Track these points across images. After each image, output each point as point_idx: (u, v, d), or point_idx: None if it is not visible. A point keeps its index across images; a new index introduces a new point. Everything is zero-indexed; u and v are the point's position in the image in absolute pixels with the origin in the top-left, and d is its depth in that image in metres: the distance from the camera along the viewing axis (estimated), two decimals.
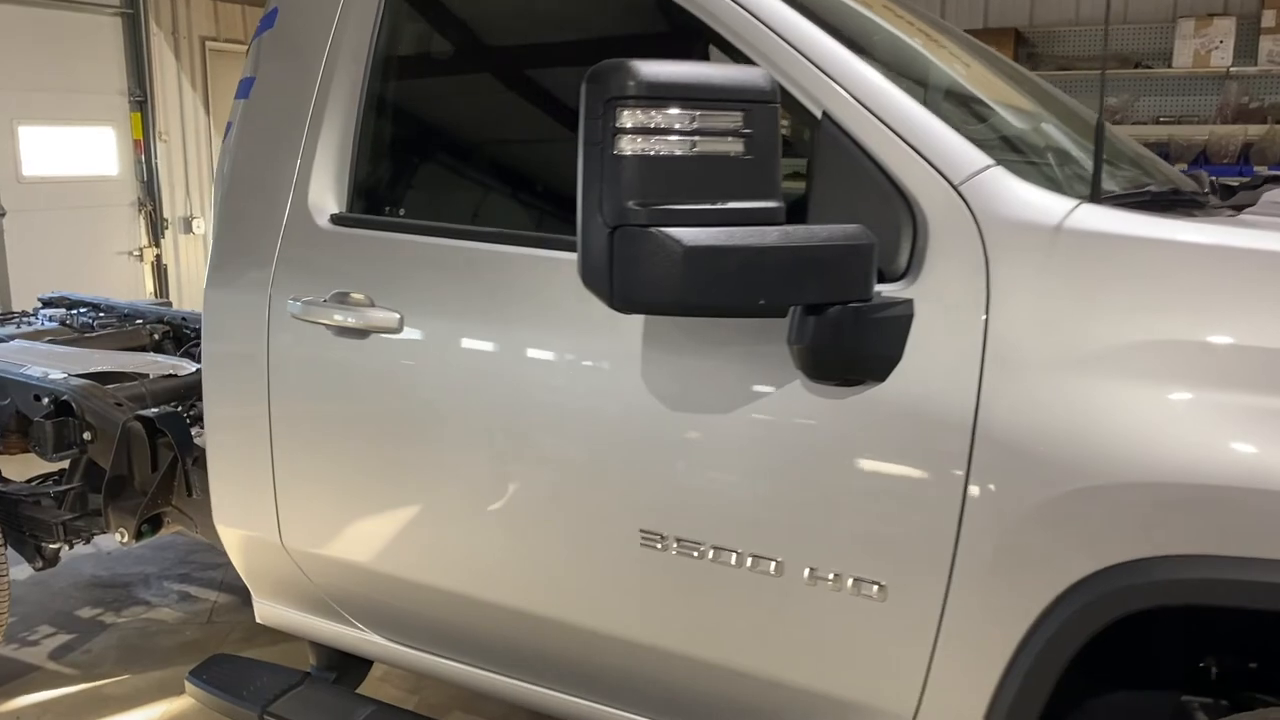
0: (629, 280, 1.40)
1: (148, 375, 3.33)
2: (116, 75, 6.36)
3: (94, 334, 4.06)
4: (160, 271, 6.67)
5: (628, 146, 1.38)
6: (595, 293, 1.44)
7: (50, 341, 3.89)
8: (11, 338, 3.88)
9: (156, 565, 4.21)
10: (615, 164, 1.39)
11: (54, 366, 3.30)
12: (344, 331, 2.02)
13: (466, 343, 1.89)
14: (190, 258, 6.97)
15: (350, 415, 2.04)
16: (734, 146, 1.42)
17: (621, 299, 1.41)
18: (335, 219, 2.08)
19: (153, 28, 6.49)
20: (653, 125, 1.38)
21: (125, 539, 2.96)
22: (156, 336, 4.18)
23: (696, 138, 1.40)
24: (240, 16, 7.19)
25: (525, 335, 1.83)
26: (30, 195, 5.87)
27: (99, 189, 6.33)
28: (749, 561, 1.69)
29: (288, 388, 2.11)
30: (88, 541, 3.24)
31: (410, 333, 1.96)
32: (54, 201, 6.03)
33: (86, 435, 3.04)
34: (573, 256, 1.79)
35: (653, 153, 1.39)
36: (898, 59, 1.95)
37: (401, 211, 2.11)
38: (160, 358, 3.68)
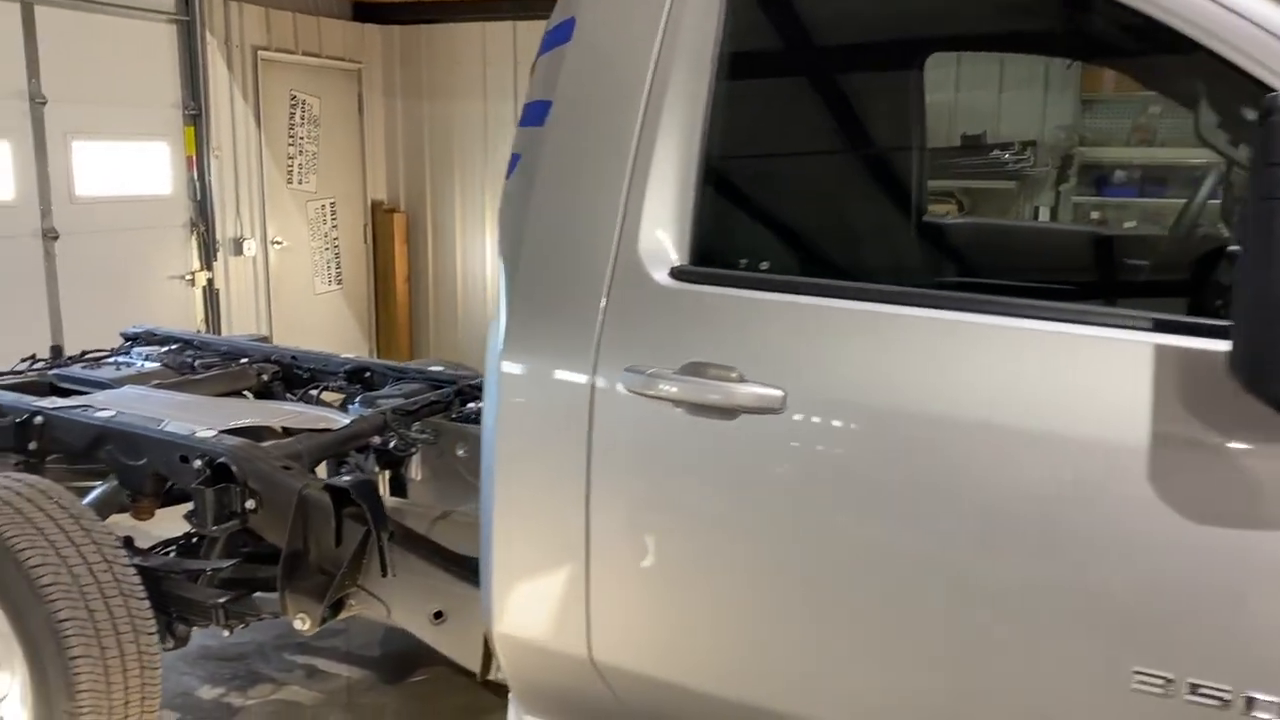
0: None
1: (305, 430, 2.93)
2: (170, 87, 5.92)
3: (198, 376, 3.65)
4: (212, 297, 6.23)
5: None
6: (1265, 398, 1.09)
7: (156, 386, 3.47)
8: (120, 382, 3.46)
9: (266, 632, 3.77)
10: None
11: (191, 420, 2.89)
12: (701, 410, 1.66)
13: (888, 430, 1.53)
14: (241, 281, 6.52)
15: (706, 510, 1.68)
16: None
17: None
18: (677, 273, 1.72)
19: (206, 36, 6.06)
20: None
21: (307, 625, 2.57)
22: (265, 378, 3.78)
23: None
24: (291, 25, 6.77)
25: (985, 427, 1.47)
26: (83, 216, 5.42)
27: (151, 209, 5.87)
28: None
29: (616, 474, 1.74)
30: (247, 626, 2.83)
31: (797, 415, 1.60)
32: (106, 223, 5.57)
33: (250, 504, 2.64)
34: (1067, 329, 1.47)
35: None
36: None
37: (765, 264, 1.75)
38: (304, 408, 3.29)
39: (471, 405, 3.36)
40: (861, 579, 1.57)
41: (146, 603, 2.55)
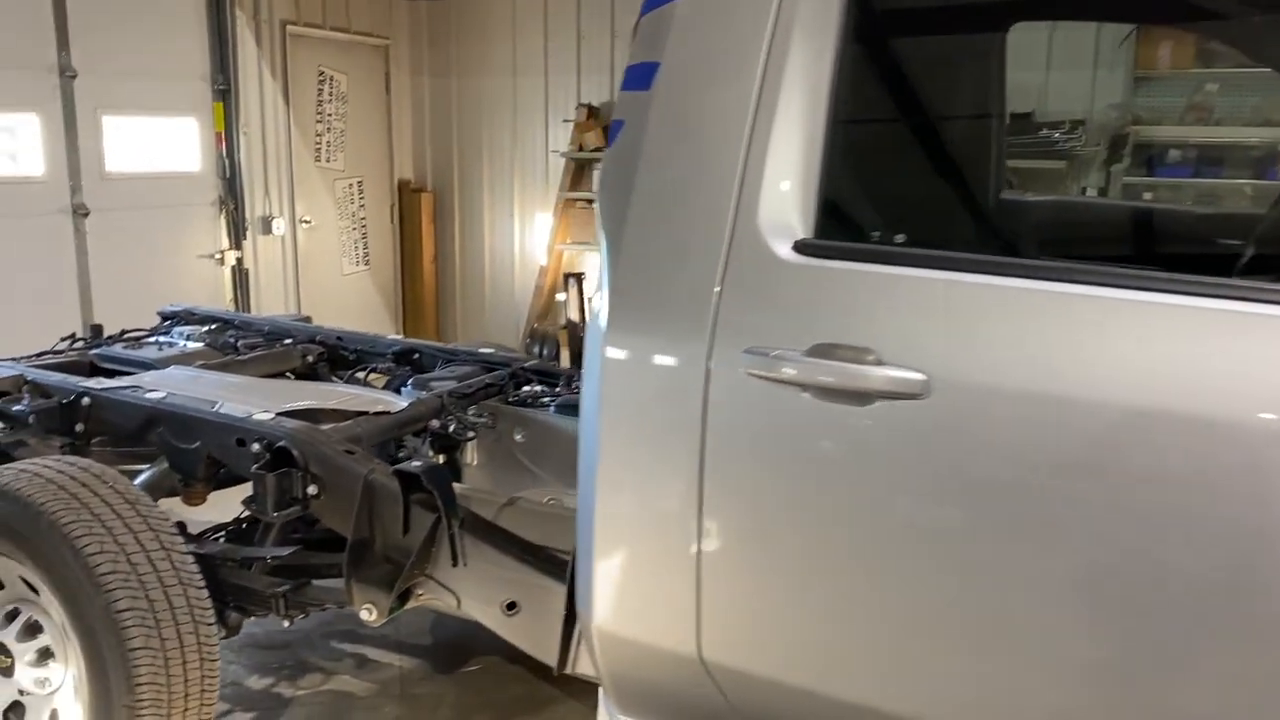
0: None
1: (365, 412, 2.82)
2: (200, 61, 5.80)
3: (243, 357, 3.54)
4: (241, 276, 6.12)
5: None
6: None
7: (202, 366, 3.36)
8: (163, 362, 3.35)
9: (311, 619, 3.66)
10: None
11: (245, 402, 2.78)
12: (831, 394, 1.54)
13: (1047, 418, 1.41)
14: (269, 261, 6.41)
15: (835, 502, 1.56)
16: None
17: None
18: (802, 247, 1.60)
19: (235, 10, 5.93)
20: None
21: (374, 616, 2.46)
22: (310, 359, 3.66)
23: None
24: None
25: (1159, 415, 1.35)
26: (113, 193, 5.31)
27: (181, 186, 5.77)
28: None
29: (733, 462, 1.62)
30: (307, 616, 2.73)
31: (942, 400, 1.48)
32: (136, 200, 5.46)
33: (312, 489, 2.53)
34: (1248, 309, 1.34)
35: None
36: None
37: (900, 237, 1.63)
38: (359, 390, 3.18)
39: (526, 389, 3.25)
40: (1012, 579, 1.45)
41: (205, 592, 2.45)
